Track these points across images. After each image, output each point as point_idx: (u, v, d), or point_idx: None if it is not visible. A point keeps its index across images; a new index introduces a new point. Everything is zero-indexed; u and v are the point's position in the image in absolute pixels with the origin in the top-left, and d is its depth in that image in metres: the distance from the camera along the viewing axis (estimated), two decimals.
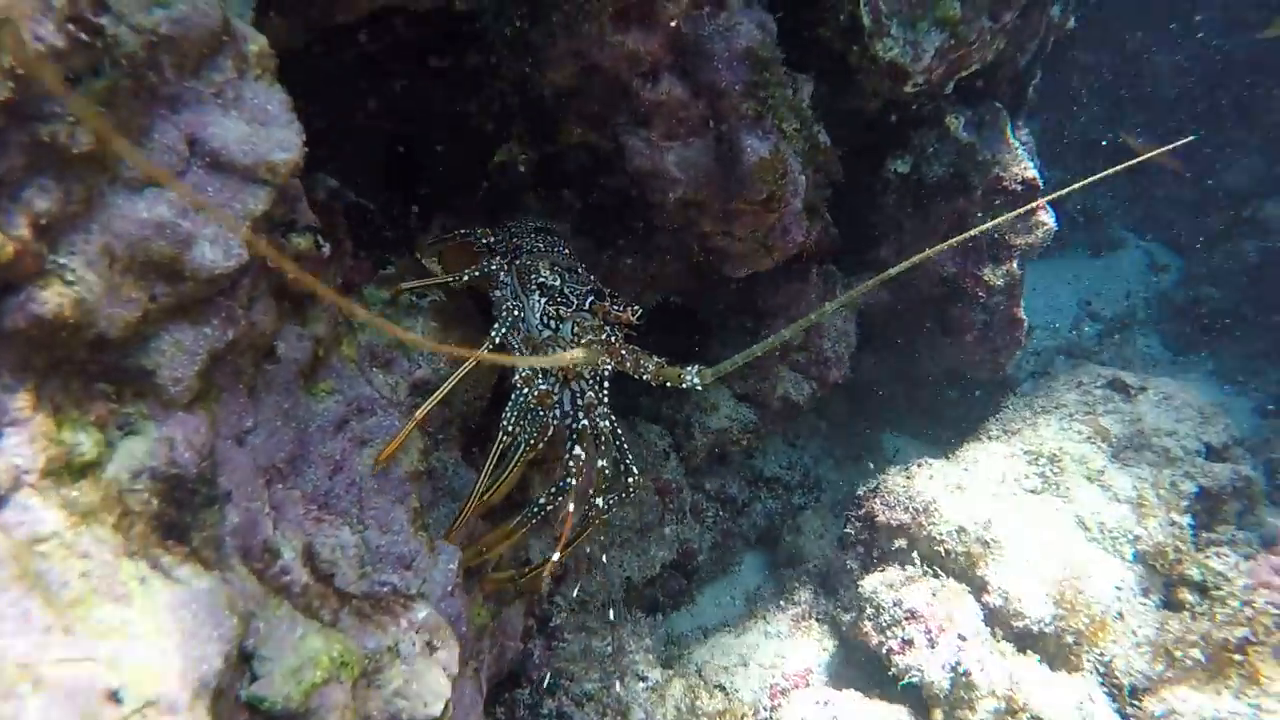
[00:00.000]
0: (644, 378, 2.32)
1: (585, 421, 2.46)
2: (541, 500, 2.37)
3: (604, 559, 3.93)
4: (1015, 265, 4.19)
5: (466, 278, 2.61)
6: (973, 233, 2.10)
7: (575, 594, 3.71)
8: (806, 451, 5.21)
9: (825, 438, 5.43)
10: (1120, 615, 3.32)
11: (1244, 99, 6.52)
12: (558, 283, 2.60)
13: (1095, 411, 4.12)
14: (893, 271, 1.98)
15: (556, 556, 2.33)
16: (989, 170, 4.06)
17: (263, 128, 1.55)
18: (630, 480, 2.55)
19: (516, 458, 2.35)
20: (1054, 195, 2.25)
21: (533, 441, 2.35)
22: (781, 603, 4.12)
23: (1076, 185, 2.18)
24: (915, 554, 3.71)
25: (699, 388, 2.21)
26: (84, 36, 1.28)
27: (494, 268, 2.67)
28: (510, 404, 2.34)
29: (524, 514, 2.40)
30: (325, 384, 2.13)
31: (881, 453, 5.52)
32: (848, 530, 4.01)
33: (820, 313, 2.25)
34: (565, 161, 3.54)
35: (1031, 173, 4.11)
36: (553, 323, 2.55)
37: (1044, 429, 4.10)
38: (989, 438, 4.42)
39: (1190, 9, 6.23)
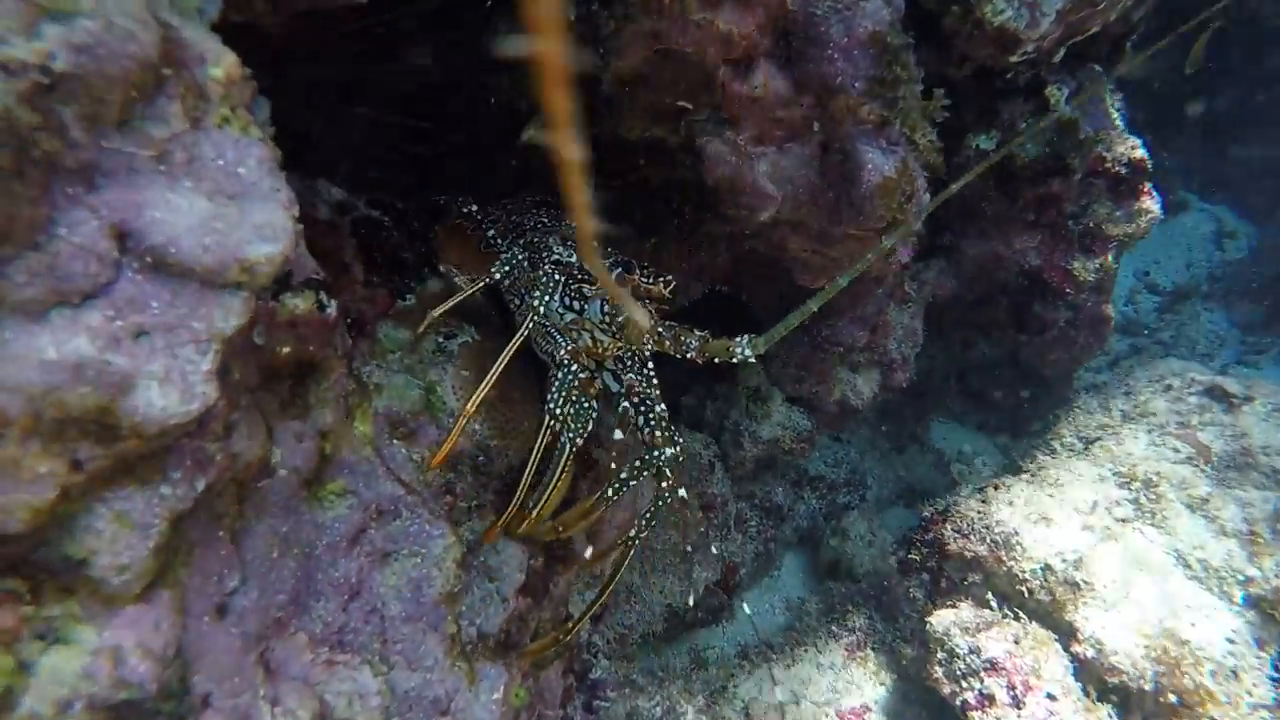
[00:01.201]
0: (688, 355, 2.02)
1: (627, 404, 2.19)
2: (624, 475, 2.11)
3: (642, 585, 3.50)
4: (1110, 258, 3.61)
5: (486, 282, 2.14)
6: None
7: (613, 633, 3.29)
8: (852, 445, 4.74)
9: (871, 426, 4.95)
10: (1234, 673, 2.90)
11: None
12: (574, 258, 2.18)
13: (1191, 424, 3.61)
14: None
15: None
16: (1090, 149, 3.44)
17: (233, 204, 0.98)
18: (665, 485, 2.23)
19: (564, 458, 2.01)
20: None
21: (579, 434, 2.04)
22: (834, 628, 3.70)
23: None
24: (991, 591, 3.28)
25: (751, 360, 1.95)
26: None
27: (506, 257, 2.26)
28: (555, 386, 1.99)
29: (603, 491, 2.09)
30: (335, 485, 1.61)
31: (929, 442, 5.06)
32: (911, 555, 3.56)
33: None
34: (614, 147, 2.93)
35: (1139, 152, 3.49)
36: (576, 303, 2.17)
37: (1131, 442, 3.61)
38: (1063, 445, 3.93)
39: None
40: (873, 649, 3.59)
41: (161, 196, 0.94)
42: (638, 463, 2.14)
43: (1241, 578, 3.10)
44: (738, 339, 1.98)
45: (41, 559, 1.01)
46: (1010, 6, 2.75)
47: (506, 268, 2.22)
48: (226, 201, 0.98)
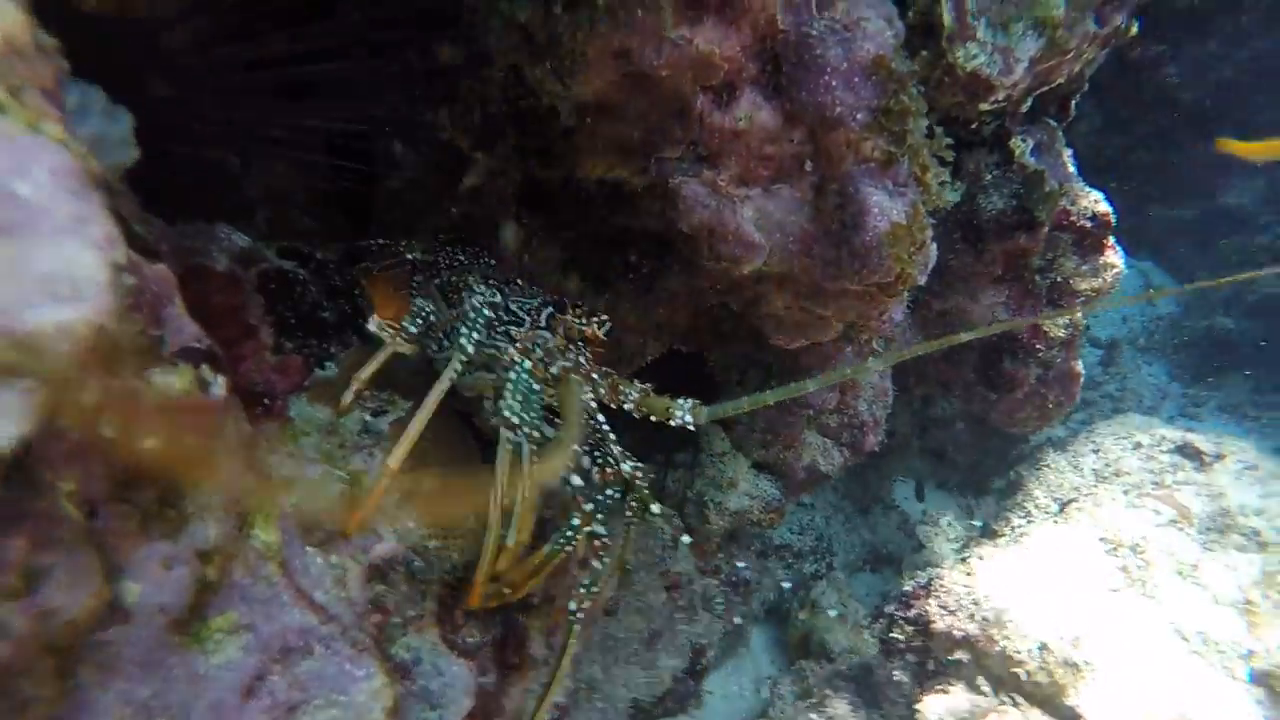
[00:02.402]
0: (624, 406, 1.82)
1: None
2: (576, 521, 1.85)
3: (604, 680, 3.06)
4: (1079, 314, 3.45)
5: (401, 336, 1.80)
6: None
7: None
8: (817, 510, 4.42)
9: (834, 490, 4.65)
10: None
11: (1245, 117, 5.95)
12: (498, 298, 1.93)
13: (1166, 484, 3.41)
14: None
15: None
16: (1055, 202, 3.28)
17: (5, 241, 0.59)
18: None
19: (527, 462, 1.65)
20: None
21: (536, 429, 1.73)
22: (814, 716, 3.31)
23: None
24: (984, 674, 2.95)
25: (690, 427, 1.75)
26: None
27: (419, 304, 1.98)
28: (509, 390, 1.72)
29: (554, 540, 1.84)
30: (223, 620, 1.18)
31: (893, 503, 4.79)
32: (894, 635, 3.22)
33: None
34: (565, 190, 2.61)
35: (1103, 206, 3.36)
36: (503, 344, 1.90)
37: (1110, 505, 3.38)
38: (1037, 508, 3.70)
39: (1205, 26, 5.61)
40: None
41: None
42: (589, 506, 1.89)
43: (1244, 651, 2.85)
44: (679, 401, 1.77)
45: None
46: (984, 52, 2.56)
47: (420, 316, 1.92)
48: None
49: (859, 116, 1.54)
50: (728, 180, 1.69)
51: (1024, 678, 2.83)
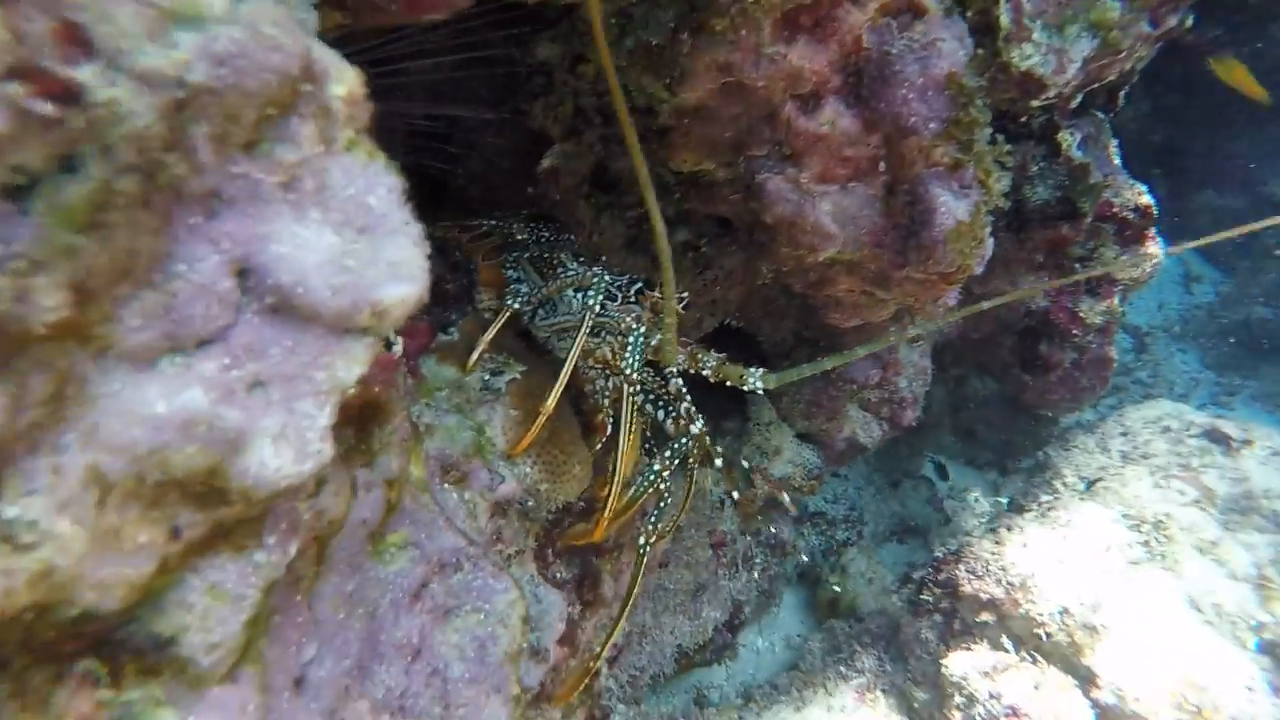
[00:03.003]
0: (703, 372, 2.14)
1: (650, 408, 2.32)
2: (657, 466, 2.15)
3: (653, 625, 3.37)
4: (1116, 302, 3.64)
5: (511, 306, 2.11)
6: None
7: (626, 676, 3.15)
8: (850, 480, 4.69)
9: (866, 462, 4.91)
10: None
11: None
12: (597, 275, 2.28)
13: (1193, 467, 3.63)
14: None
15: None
16: (1099, 194, 3.47)
17: (363, 238, 0.85)
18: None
19: (631, 412, 2.01)
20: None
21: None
22: (842, 669, 3.61)
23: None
24: (1007, 634, 3.22)
25: (759, 391, 2.12)
26: (44, 108, 0.60)
27: (514, 276, 2.33)
28: (629, 350, 2.05)
29: (639, 482, 2.13)
30: (397, 536, 1.47)
31: (923, 477, 5.04)
32: (924, 596, 3.49)
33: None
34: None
35: (1146, 198, 3.54)
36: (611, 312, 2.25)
37: (1136, 484, 3.61)
38: (1065, 485, 3.93)
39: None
40: (882, 691, 3.50)
41: (288, 229, 0.81)
42: (668, 453, 2.18)
43: (1254, 623, 3.09)
44: (752, 369, 2.11)
45: (124, 638, 0.86)
46: (1038, 52, 2.75)
47: (524, 287, 2.24)
48: (356, 236, 0.86)
49: (931, 126, 1.77)
50: (809, 178, 1.93)
51: (1044, 639, 3.09)
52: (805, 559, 4.32)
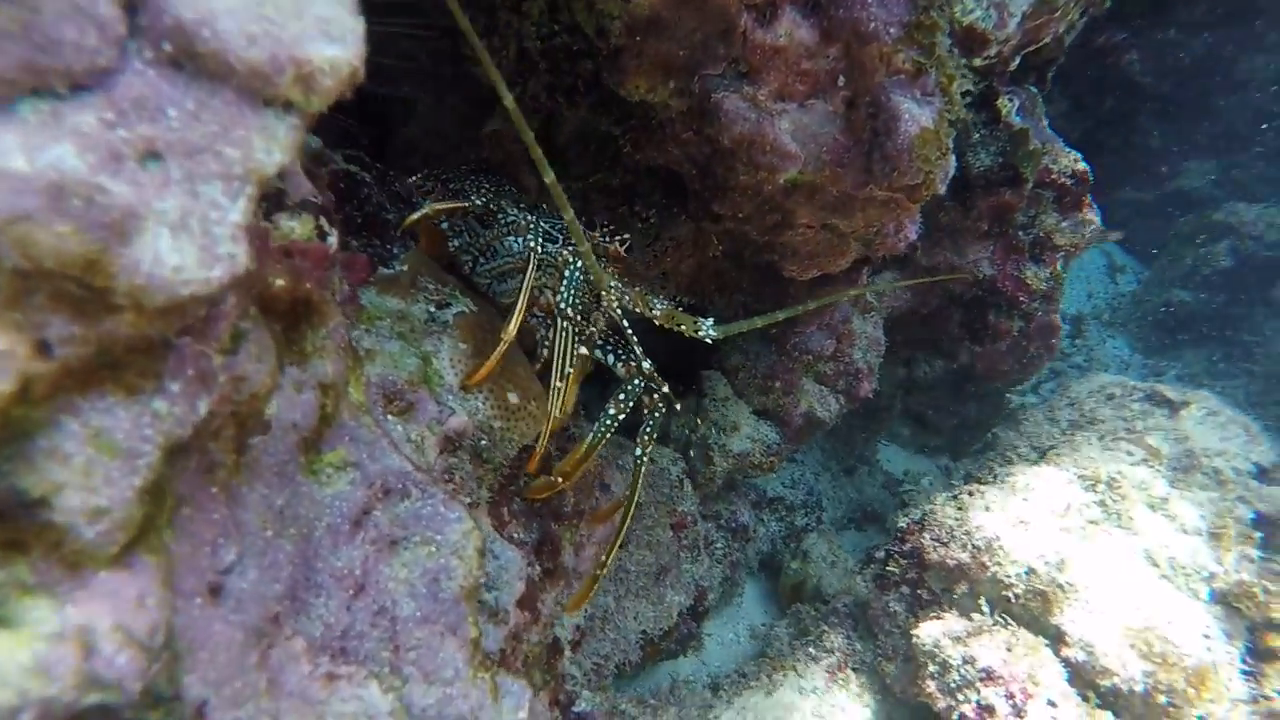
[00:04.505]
0: (652, 316, 2.12)
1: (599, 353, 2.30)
2: (612, 410, 2.09)
3: (616, 610, 3.17)
4: (1059, 267, 3.67)
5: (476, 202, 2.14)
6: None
7: (590, 663, 2.94)
8: (807, 466, 4.60)
9: (822, 449, 4.84)
10: (1214, 669, 2.85)
11: (1198, 99, 6.31)
12: (532, 218, 2.18)
13: (1137, 429, 3.66)
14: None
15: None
16: (1039, 160, 3.51)
17: None
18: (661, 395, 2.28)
19: (568, 345, 1.95)
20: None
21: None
22: (811, 650, 3.46)
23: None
24: (977, 598, 3.14)
25: (710, 340, 2.13)
26: None
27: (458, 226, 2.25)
28: (564, 284, 1.98)
29: (595, 428, 2.06)
30: (334, 455, 1.28)
31: (877, 465, 4.99)
32: (889, 569, 3.39)
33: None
34: (589, 129, 2.73)
35: (1082, 165, 3.59)
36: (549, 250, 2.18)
37: (1086, 448, 3.61)
38: (1018, 456, 3.92)
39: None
40: (853, 669, 3.37)
41: None
42: (620, 395, 2.13)
43: (1205, 574, 3.09)
44: (703, 319, 2.12)
45: None
46: (979, 6, 2.75)
47: (461, 240, 2.14)
48: None
49: (892, 30, 1.70)
50: (767, 95, 1.83)
51: (1012, 600, 3.02)
52: (766, 547, 4.20)
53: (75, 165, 0.61)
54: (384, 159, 3.14)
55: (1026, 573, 3.02)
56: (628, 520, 2.01)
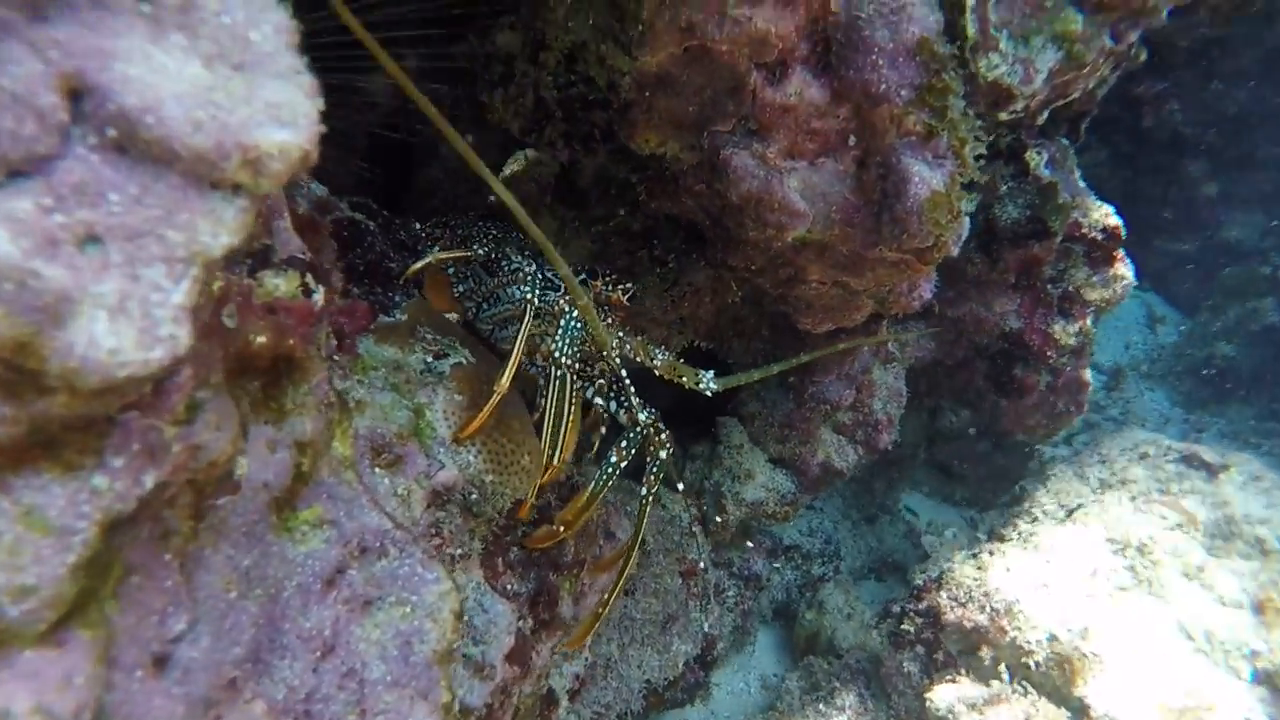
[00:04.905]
0: (653, 365, 2.10)
1: (599, 400, 2.26)
2: (614, 458, 2.07)
3: (619, 659, 3.10)
4: (1089, 323, 3.56)
5: (477, 252, 2.13)
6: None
7: (590, 712, 2.88)
8: (825, 514, 4.50)
9: (842, 497, 4.73)
10: None
11: (1243, 150, 6.14)
12: (533, 268, 2.13)
13: (1172, 492, 3.50)
14: None
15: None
16: (1068, 213, 3.41)
17: (239, 76, 0.69)
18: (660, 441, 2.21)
19: (568, 395, 1.90)
20: None
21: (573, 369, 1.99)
22: (822, 707, 3.35)
23: None
24: (995, 663, 3.01)
25: (710, 393, 2.09)
26: None
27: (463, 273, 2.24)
28: (560, 334, 1.95)
29: (598, 476, 2.04)
30: (310, 512, 1.26)
31: (899, 514, 4.85)
32: (904, 627, 3.28)
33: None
34: (608, 174, 2.73)
35: (1114, 220, 3.49)
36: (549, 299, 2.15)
37: (1116, 509, 3.46)
38: (1045, 514, 3.77)
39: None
40: None
41: (140, 48, 0.64)
42: (622, 443, 2.12)
43: (1248, 651, 2.91)
44: (705, 372, 2.09)
45: None
46: (1005, 62, 2.69)
47: (465, 285, 2.15)
48: (231, 73, 0.69)
49: (903, 93, 1.67)
50: (776, 153, 1.81)
51: (1033, 667, 2.88)
52: (781, 595, 4.10)
53: (7, 250, 0.60)
54: (406, 201, 3.18)
55: (1048, 639, 2.89)
56: (630, 561, 1.97)
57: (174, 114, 0.65)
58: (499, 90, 2.36)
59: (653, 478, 2.14)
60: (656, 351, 2.08)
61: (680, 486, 2.59)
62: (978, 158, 1.80)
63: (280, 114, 0.70)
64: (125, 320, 0.66)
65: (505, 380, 1.65)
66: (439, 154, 3.26)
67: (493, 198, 3.19)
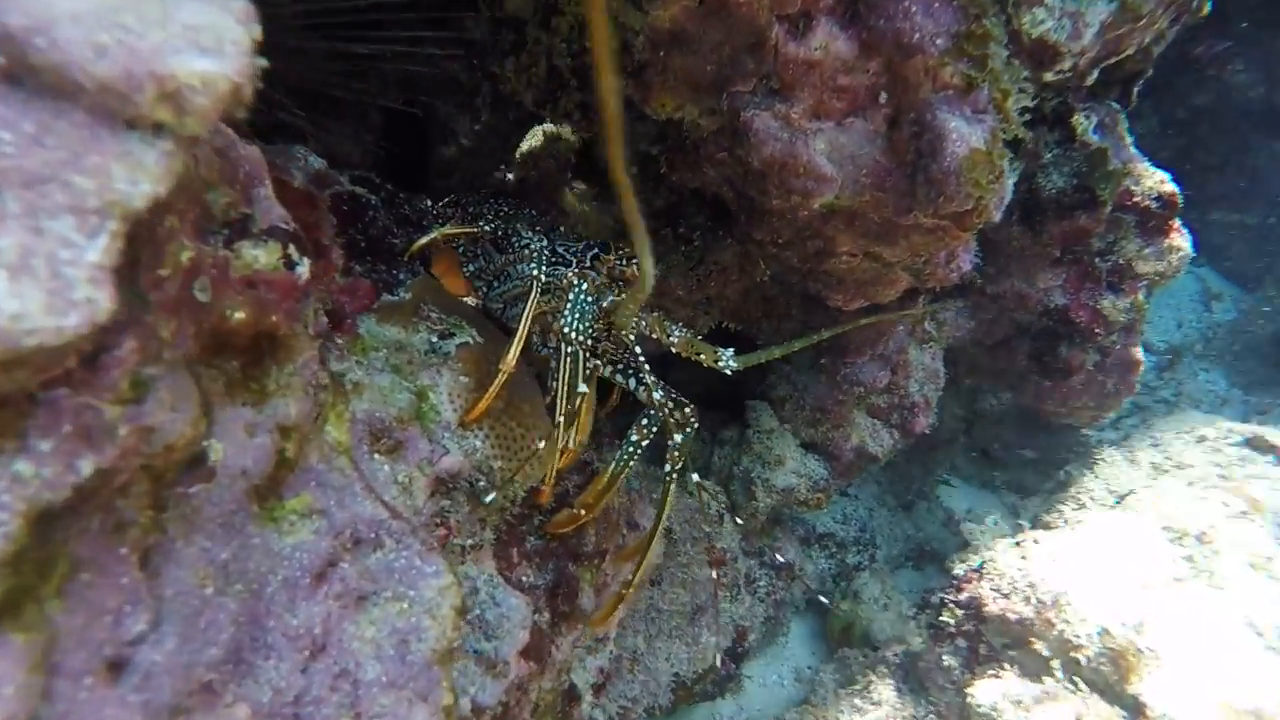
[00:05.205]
0: (670, 342, 2.02)
1: (619, 377, 2.17)
2: (634, 437, 2.04)
3: (647, 652, 3.01)
4: (1141, 297, 3.34)
5: (482, 228, 2.06)
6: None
7: (615, 707, 2.79)
8: (860, 501, 4.34)
9: (877, 482, 4.57)
10: None
11: None
12: (545, 243, 2.06)
13: (1234, 477, 3.28)
14: None
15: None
16: (1119, 181, 3.20)
17: None
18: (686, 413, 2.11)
19: (582, 370, 1.77)
20: None
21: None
22: (857, 701, 3.22)
23: None
24: (1040, 659, 2.85)
25: (729, 371, 2.04)
26: None
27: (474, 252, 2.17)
28: (569, 307, 1.82)
29: (618, 456, 2.01)
30: (298, 501, 1.18)
31: (937, 500, 4.68)
32: (944, 619, 3.12)
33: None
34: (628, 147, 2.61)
35: (1169, 186, 3.26)
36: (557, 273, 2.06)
37: (1172, 495, 3.26)
38: (1092, 500, 3.58)
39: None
40: None
41: None
42: (643, 421, 2.06)
43: None
44: (724, 350, 2.03)
45: None
46: (1051, 17, 2.50)
47: (475, 265, 2.09)
48: None
49: (938, 42, 1.52)
50: (800, 113, 1.67)
51: (1083, 663, 2.72)
52: (814, 585, 3.97)
53: None
54: (422, 181, 3.09)
55: (1099, 633, 2.72)
56: (654, 539, 1.87)
57: (70, 36, 0.55)
58: (510, 59, 2.25)
59: (675, 454, 2.04)
60: (673, 328, 1.97)
61: (695, 477, 2.43)
62: (1023, 110, 1.64)
63: (201, 39, 0.60)
64: (29, 280, 0.57)
65: (512, 358, 1.55)
66: (455, 131, 3.17)
67: (508, 176, 3.08)
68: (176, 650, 0.90)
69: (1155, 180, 3.25)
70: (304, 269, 1.17)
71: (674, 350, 2.01)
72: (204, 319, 1.04)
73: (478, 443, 1.56)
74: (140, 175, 0.61)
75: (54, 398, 0.68)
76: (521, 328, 1.61)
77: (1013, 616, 2.89)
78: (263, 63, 0.66)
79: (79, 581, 0.79)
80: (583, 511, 1.86)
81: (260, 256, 1.11)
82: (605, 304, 1.89)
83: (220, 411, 1.03)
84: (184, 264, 0.98)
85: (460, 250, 2.10)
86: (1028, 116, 1.68)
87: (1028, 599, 2.87)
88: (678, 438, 1.98)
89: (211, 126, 0.65)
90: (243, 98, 0.65)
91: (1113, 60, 2.95)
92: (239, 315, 1.09)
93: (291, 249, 1.16)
